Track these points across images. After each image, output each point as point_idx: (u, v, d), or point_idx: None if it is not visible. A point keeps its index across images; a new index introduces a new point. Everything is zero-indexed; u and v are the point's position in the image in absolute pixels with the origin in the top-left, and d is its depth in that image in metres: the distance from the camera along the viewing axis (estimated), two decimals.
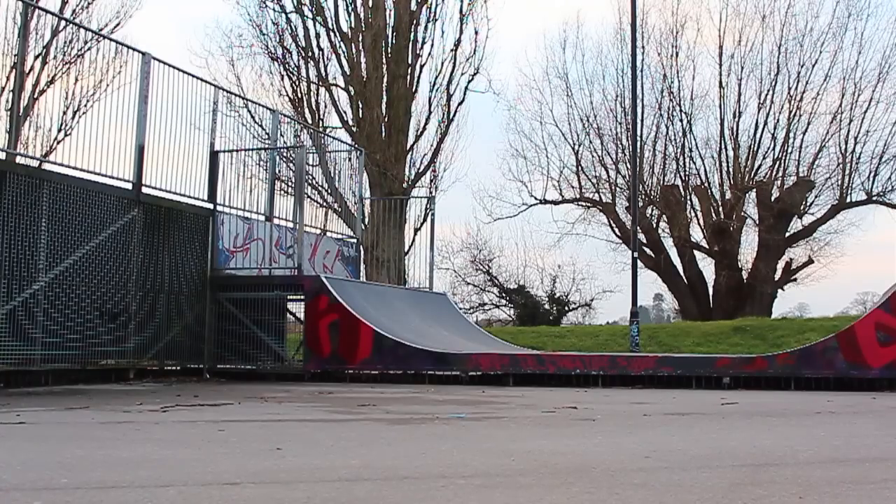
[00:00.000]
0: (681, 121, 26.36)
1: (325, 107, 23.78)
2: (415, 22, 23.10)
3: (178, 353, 10.91)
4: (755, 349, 15.04)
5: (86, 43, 18.91)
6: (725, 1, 28.71)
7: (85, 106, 18.58)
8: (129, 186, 10.12)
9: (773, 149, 25.93)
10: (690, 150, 26.48)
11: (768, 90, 25.69)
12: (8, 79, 17.76)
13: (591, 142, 26.81)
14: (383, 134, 22.81)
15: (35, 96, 19.75)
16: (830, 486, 3.13)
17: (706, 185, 26.64)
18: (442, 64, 23.59)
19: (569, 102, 27.13)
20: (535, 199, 27.21)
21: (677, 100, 26.31)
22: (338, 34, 23.13)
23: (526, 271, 29.24)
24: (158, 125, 10.69)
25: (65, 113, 19.51)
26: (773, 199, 25.63)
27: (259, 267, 12.03)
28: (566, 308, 28.49)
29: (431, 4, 23.34)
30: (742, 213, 26.21)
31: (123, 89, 10.75)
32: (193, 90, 11.45)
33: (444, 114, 23.77)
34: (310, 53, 23.34)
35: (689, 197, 26.80)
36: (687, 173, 26.61)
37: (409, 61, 23.23)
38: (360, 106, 22.90)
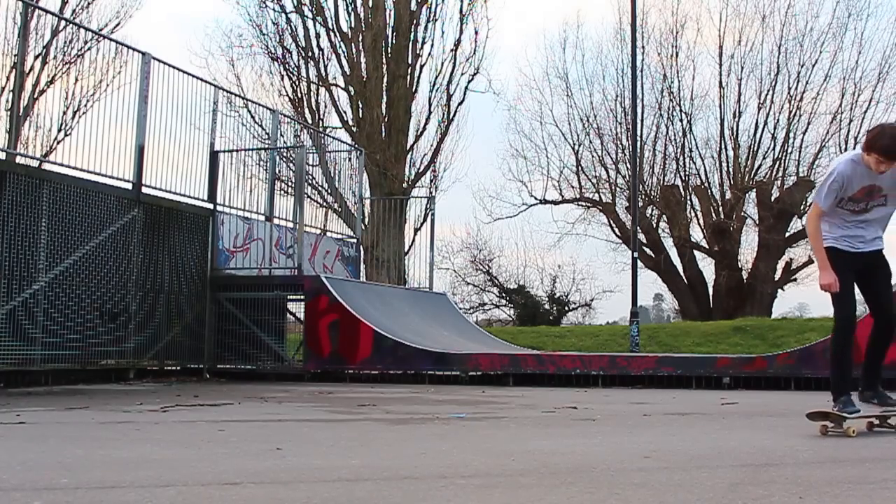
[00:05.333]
0: (681, 121, 26.36)
1: (325, 107, 23.80)
2: (415, 22, 23.10)
3: (178, 353, 10.91)
4: (755, 349, 15.03)
5: (86, 43, 18.92)
6: (725, 1, 28.65)
7: (85, 106, 18.59)
8: (129, 186, 10.12)
9: (773, 149, 25.93)
10: (690, 150, 26.47)
11: (768, 90, 25.69)
12: (8, 79, 17.77)
13: (591, 142, 26.81)
14: (383, 134, 22.82)
15: (35, 96, 19.75)
16: (830, 486, 3.13)
17: (706, 185, 26.63)
18: (442, 64, 23.61)
19: (569, 102, 27.10)
20: (535, 199, 27.21)
21: (677, 100, 26.31)
22: (338, 34, 23.13)
23: (526, 271, 29.24)
24: (158, 125, 10.70)
25: (65, 113, 19.51)
26: (773, 199, 25.61)
27: (259, 267, 12.03)
28: (566, 308, 28.49)
29: (431, 4, 23.35)
30: (742, 213, 26.19)
31: (123, 89, 10.77)
32: (193, 90, 11.46)
33: (444, 114, 23.78)
34: (310, 53, 23.35)
35: (689, 197, 26.78)
36: (687, 173, 26.61)
37: (409, 61, 23.23)
38: (360, 106, 22.90)
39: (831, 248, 4.96)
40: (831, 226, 4.96)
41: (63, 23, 19.80)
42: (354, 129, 22.89)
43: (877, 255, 5.04)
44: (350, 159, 15.71)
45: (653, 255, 26.15)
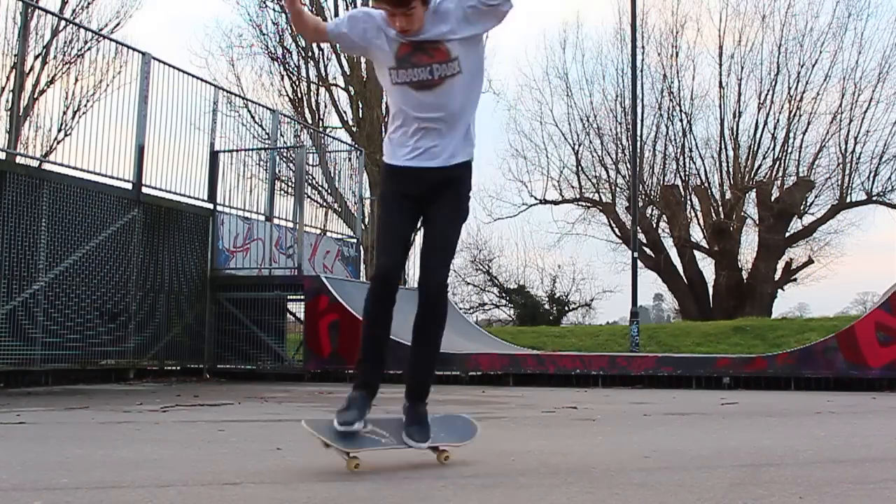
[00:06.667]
0: (681, 121, 26.38)
1: (325, 107, 23.82)
2: None
3: (178, 353, 10.90)
4: (755, 349, 15.03)
5: (86, 43, 18.92)
6: (725, 1, 28.75)
7: (85, 106, 18.58)
8: (129, 186, 10.12)
9: (773, 149, 25.95)
10: (690, 150, 26.50)
11: (768, 90, 25.72)
12: (8, 79, 17.77)
13: (591, 142, 26.83)
14: (383, 134, 22.81)
15: (35, 96, 19.76)
16: (830, 486, 3.13)
17: (706, 185, 26.64)
18: None
19: (569, 102, 27.15)
20: (535, 199, 27.23)
21: (677, 100, 26.33)
22: None
23: (526, 271, 29.26)
24: (158, 125, 10.70)
25: (65, 113, 19.51)
26: (773, 199, 25.62)
27: (259, 267, 12.03)
28: (566, 308, 28.49)
29: None
30: (742, 213, 26.20)
31: (123, 89, 10.77)
32: (193, 90, 11.46)
33: None
34: (310, 53, 23.36)
35: (689, 197, 26.80)
36: (687, 173, 26.63)
37: None
38: (360, 106, 22.90)
39: (387, 166, 3.64)
40: (394, 129, 3.55)
41: (63, 23, 19.81)
42: (354, 129, 22.89)
43: (447, 178, 3.48)
44: (350, 159, 15.71)
45: (653, 255, 26.15)
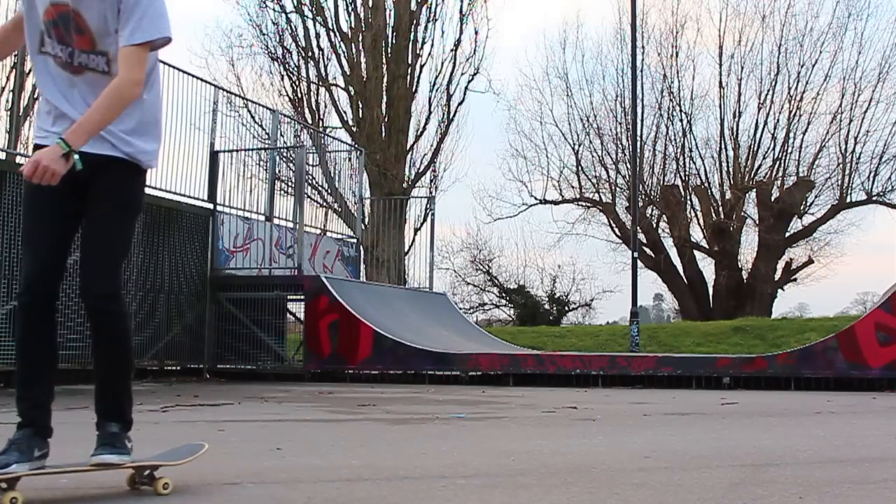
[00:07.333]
0: (681, 121, 26.38)
1: (325, 107, 23.80)
2: (415, 22, 23.10)
3: (178, 353, 10.90)
4: (755, 349, 15.04)
5: None
6: (725, 1, 28.77)
7: None
8: None
9: (773, 149, 25.95)
10: (690, 150, 26.50)
11: (768, 90, 25.72)
12: (8, 79, 17.77)
13: (591, 142, 26.83)
14: (383, 134, 22.81)
15: (35, 96, 19.75)
16: (830, 486, 3.13)
17: (706, 185, 26.64)
18: (442, 64, 23.61)
19: (569, 102, 27.14)
20: (535, 199, 27.24)
21: (677, 100, 26.33)
22: (338, 34, 23.13)
23: (526, 271, 29.26)
24: None
25: None
26: (773, 199, 25.63)
27: (259, 267, 12.03)
28: (566, 308, 28.49)
29: (431, 4, 23.35)
30: (742, 213, 26.21)
31: None
32: (193, 90, 11.45)
33: (444, 114, 23.78)
34: (310, 53, 23.34)
35: (689, 197, 26.80)
36: (687, 173, 26.63)
37: (409, 61, 23.23)
38: (360, 106, 22.90)
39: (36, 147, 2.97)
40: (42, 101, 2.96)
41: None
42: (354, 129, 22.88)
43: (100, 171, 2.94)
44: (350, 159, 15.71)
45: (653, 255, 26.15)
